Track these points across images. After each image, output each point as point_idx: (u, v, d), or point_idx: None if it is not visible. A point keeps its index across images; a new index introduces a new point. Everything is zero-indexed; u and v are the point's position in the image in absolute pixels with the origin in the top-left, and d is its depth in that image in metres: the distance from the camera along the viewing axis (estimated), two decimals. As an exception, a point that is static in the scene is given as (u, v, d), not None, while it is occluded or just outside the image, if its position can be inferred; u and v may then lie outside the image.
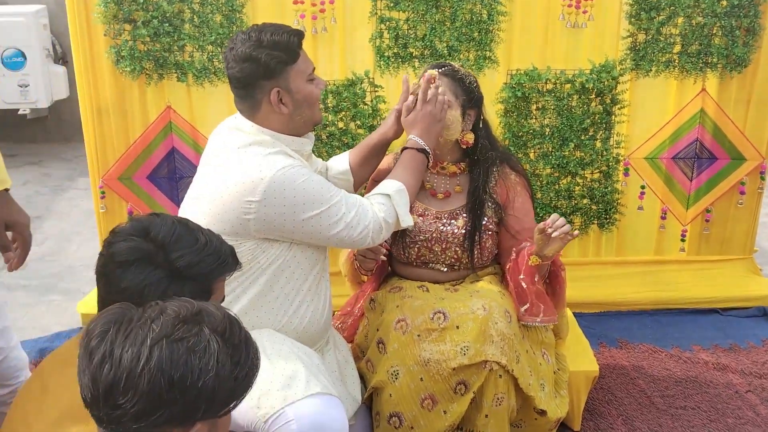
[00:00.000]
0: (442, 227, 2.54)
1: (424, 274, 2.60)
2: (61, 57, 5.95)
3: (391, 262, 2.73)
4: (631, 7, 3.32)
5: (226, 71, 2.20)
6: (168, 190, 3.42)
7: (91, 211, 3.73)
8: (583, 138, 3.46)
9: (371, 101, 3.35)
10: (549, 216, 2.38)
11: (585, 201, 3.57)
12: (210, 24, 3.20)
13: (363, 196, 2.37)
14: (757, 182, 3.62)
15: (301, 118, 2.24)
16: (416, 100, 2.41)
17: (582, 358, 2.73)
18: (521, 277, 2.44)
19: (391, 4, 3.24)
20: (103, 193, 3.37)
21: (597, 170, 3.53)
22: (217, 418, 1.23)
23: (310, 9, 3.21)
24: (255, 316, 2.22)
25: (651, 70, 3.42)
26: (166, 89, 3.29)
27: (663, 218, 3.65)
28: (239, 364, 1.22)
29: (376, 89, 3.34)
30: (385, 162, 2.63)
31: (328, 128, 3.35)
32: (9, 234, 2.21)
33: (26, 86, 5.58)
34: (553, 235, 2.32)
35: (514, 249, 2.50)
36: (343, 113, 3.35)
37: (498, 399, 2.31)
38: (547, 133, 3.45)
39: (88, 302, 3.45)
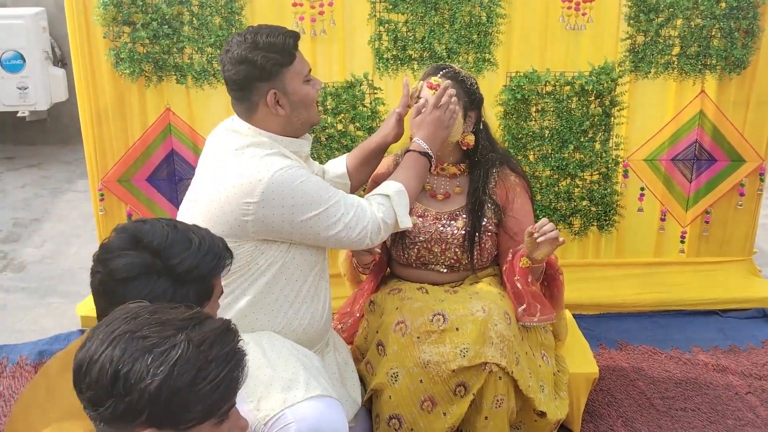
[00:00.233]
0: (441, 228, 2.54)
1: (424, 275, 2.60)
2: (60, 59, 5.95)
3: (391, 263, 2.73)
4: (630, 9, 3.33)
5: (223, 74, 2.20)
6: (167, 192, 3.42)
7: (91, 214, 3.73)
8: (582, 140, 3.46)
9: (370, 103, 3.35)
10: (546, 218, 2.39)
11: (584, 203, 3.57)
12: (209, 26, 3.20)
13: (363, 196, 2.36)
14: (756, 184, 3.62)
15: (299, 119, 2.24)
16: (426, 102, 2.41)
17: (582, 359, 2.73)
18: (516, 278, 2.44)
19: (390, 7, 3.24)
20: (102, 195, 3.37)
21: (596, 172, 3.53)
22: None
23: (309, 11, 3.22)
24: (254, 318, 2.22)
25: (650, 71, 3.42)
26: (166, 91, 3.29)
27: (662, 220, 3.65)
28: (206, 379, 1.19)
29: (375, 91, 3.34)
30: (384, 164, 2.63)
31: (327, 130, 3.35)
32: None
33: (25, 88, 5.57)
34: (538, 240, 2.32)
35: (511, 250, 2.50)
36: (342, 115, 3.35)
37: (498, 401, 2.31)
38: (546, 135, 3.45)
39: (88, 304, 3.44)
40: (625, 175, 3.56)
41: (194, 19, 3.19)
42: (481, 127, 2.56)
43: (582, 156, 3.48)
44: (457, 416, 2.30)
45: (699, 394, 2.98)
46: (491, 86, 3.34)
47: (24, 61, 5.53)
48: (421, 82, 2.48)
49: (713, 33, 3.38)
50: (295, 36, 2.19)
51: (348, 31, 3.28)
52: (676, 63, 3.41)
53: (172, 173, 3.40)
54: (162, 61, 3.22)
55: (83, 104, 3.26)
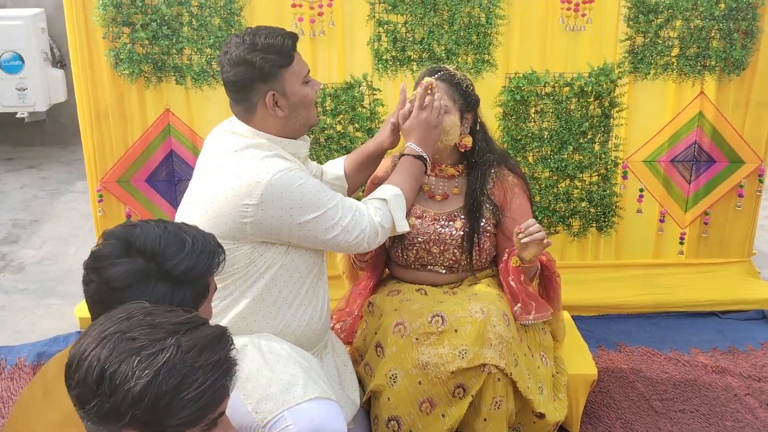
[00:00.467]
0: (440, 229, 2.54)
1: (423, 276, 2.60)
2: (59, 60, 5.95)
3: (389, 265, 2.73)
4: (629, 10, 3.33)
5: (221, 75, 2.20)
6: (166, 193, 3.42)
7: (89, 215, 3.73)
8: (581, 141, 3.46)
9: (369, 104, 3.35)
10: (545, 219, 2.39)
11: (584, 204, 3.57)
12: (208, 27, 3.20)
13: (360, 199, 2.36)
14: (755, 185, 3.62)
15: (297, 120, 2.23)
16: (412, 108, 2.41)
17: (580, 361, 2.73)
18: (510, 277, 2.45)
19: (390, 8, 3.24)
20: (101, 196, 3.36)
21: (595, 173, 3.53)
22: None
23: (309, 12, 3.22)
24: (253, 320, 2.21)
25: (649, 73, 3.42)
26: (165, 92, 3.28)
27: (661, 221, 3.65)
28: (191, 386, 1.18)
29: (375, 92, 3.34)
30: (383, 166, 2.63)
31: (326, 131, 3.35)
32: None
33: (24, 89, 5.57)
34: (522, 241, 2.32)
35: (507, 250, 2.50)
36: (341, 116, 3.35)
37: (496, 402, 2.31)
38: (545, 137, 3.45)
39: (87, 306, 3.43)
40: (625, 177, 3.56)
41: (193, 20, 3.19)
42: (478, 128, 2.56)
43: (581, 157, 3.48)
44: (456, 418, 2.30)
45: (698, 395, 2.98)
46: (490, 87, 3.34)
47: (23, 62, 5.52)
48: (419, 89, 2.48)
49: (712, 34, 3.38)
50: (294, 37, 2.19)
51: (347, 32, 3.28)
52: (675, 64, 3.42)
53: (172, 174, 3.39)
54: (161, 62, 3.22)
55: (82, 105, 3.26)
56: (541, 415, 2.39)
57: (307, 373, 2.07)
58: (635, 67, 3.40)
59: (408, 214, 2.46)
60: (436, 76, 2.48)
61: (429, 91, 2.40)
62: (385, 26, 3.26)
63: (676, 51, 3.40)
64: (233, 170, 2.12)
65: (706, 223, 3.67)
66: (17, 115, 5.78)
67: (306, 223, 2.14)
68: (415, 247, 2.56)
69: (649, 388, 3.02)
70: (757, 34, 3.38)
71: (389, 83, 3.33)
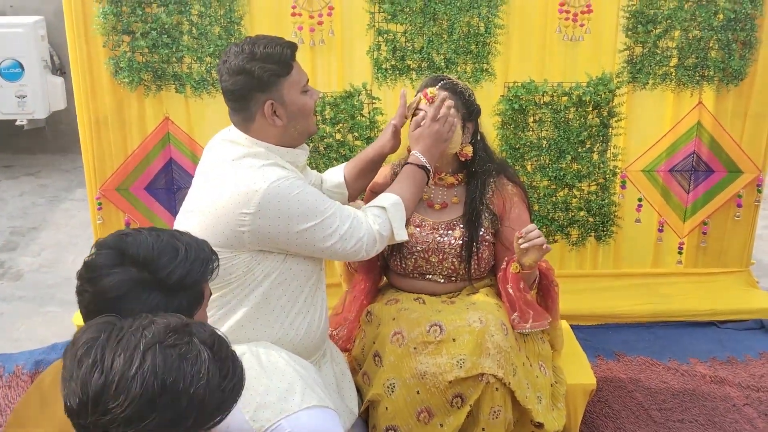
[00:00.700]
0: (439, 238, 2.54)
1: (421, 285, 2.60)
2: (59, 68, 5.96)
3: (388, 273, 2.73)
4: (627, 20, 3.34)
5: (220, 84, 2.20)
6: (165, 201, 3.42)
7: (88, 223, 3.73)
8: (580, 150, 3.47)
9: (369, 113, 3.36)
10: (544, 228, 2.39)
11: (582, 213, 3.57)
12: (208, 36, 3.20)
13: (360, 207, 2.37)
14: (753, 195, 3.62)
15: (296, 129, 2.23)
16: (425, 115, 2.41)
17: (579, 370, 2.73)
18: (509, 285, 2.44)
19: (389, 17, 3.25)
20: (100, 204, 3.37)
21: (594, 183, 3.53)
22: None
23: (308, 21, 3.23)
24: (251, 329, 2.21)
25: (648, 83, 3.43)
26: (164, 100, 3.29)
27: (660, 231, 3.65)
28: (227, 377, 1.23)
29: (374, 101, 3.34)
30: (382, 173, 2.63)
31: (325, 140, 3.36)
32: None
33: (24, 97, 5.58)
34: (522, 246, 2.32)
35: (506, 258, 2.50)
36: (341, 125, 3.36)
37: (495, 412, 2.30)
38: (544, 146, 3.46)
39: (85, 313, 3.43)
40: (623, 186, 3.57)
41: (193, 28, 3.20)
42: (479, 137, 2.56)
43: (580, 166, 3.49)
44: (454, 427, 2.30)
45: (696, 405, 2.97)
46: (489, 96, 3.35)
47: (23, 69, 5.53)
48: (419, 94, 2.48)
49: (711, 44, 3.39)
50: (293, 47, 2.19)
51: (347, 41, 3.29)
52: (673, 74, 3.42)
53: (171, 182, 3.40)
54: (161, 71, 3.23)
55: (82, 113, 3.27)
56: (540, 425, 2.39)
57: (305, 381, 2.07)
58: (634, 77, 3.41)
59: (407, 223, 2.45)
60: (439, 85, 2.48)
61: (445, 104, 2.40)
62: (385, 35, 3.27)
63: (674, 61, 3.41)
64: (231, 179, 2.12)
65: (704, 233, 3.68)
66: (17, 123, 5.78)
67: (303, 232, 2.14)
68: (414, 256, 2.56)
69: (647, 397, 3.02)
70: (756, 45, 3.40)
71: (388, 92, 3.33)
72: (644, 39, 3.36)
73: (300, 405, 1.98)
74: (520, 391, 2.32)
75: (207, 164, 2.26)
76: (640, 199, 3.60)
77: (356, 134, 3.36)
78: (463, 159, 2.55)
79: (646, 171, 3.57)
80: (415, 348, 2.34)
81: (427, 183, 2.44)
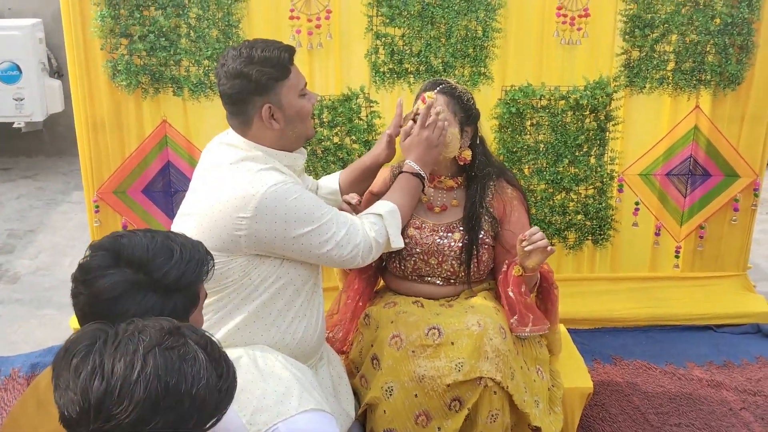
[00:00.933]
0: (438, 240, 2.54)
1: (420, 288, 2.60)
2: (57, 71, 5.96)
3: (386, 276, 2.73)
4: (625, 24, 3.34)
5: (218, 87, 2.20)
6: (163, 204, 3.42)
7: (86, 225, 3.73)
8: (577, 154, 3.47)
9: (366, 116, 3.36)
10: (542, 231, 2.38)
11: (579, 217, 3.57)
12: (206, 39, 3.20)
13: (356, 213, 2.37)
14: (750, 199, 3.63)
15: (294, 133, 2.23)
16: (414, 125, 2.41)
17: (576, 374, 2.73)
18: (509, 288, 2.44)
19: (387, 20, 3.25)
20: (97, 207, 3.36)
21: (591, 186, 3.54)
22: None
23: (306, 24, 3.23)
24: (248, 333, 2.21)
25: (645, 86, 3.44)
26: (162, 103, 3.29)
27: (657, 234, 3.66)
28: (222, 377, 1.23)
29: (372, 104, 3.35)
30: (380, 177, 2.63)
31: (323, 143, 3.36)
32: None
33: (21, 100, 5.57)
34: (526, 249, 2.32)
35: (506, 262, 2.50)
36: (339, 128, 3.36)
37: (492, 415, 2.30)
38: (541, 149, 3.46)
39: (81, 316, 3.43)
40: (620, 190, 3.57)
41: (191, 31, 3.20)
42: (478, 141, 2.56)
43: (577, 170, 3.49)
44: (452, 431, 2.29)
45: (693, 409, 2.98)
46: (486, 100, 3.36)
47: (20, 72, 5.52)
48: (418, 101, 2.48)
49: (708, 49, 3.40)
50: (291, 50, 2.19)
51: (344, 45, 3.29)
52: (671, 78, 3.43)
53: (168, 185, 3.39)
54: (159, 74, 3.23)
55: (79, 115, 3.26)
56: (537, 429, 2.39)
57: (302, 384, 2.07)
58: (631, 80, 3.42)
59: (406, 225, 2.46)
60: (438, 89, 2.48)
61: (432, 109, 2.41)
62: (383, 39, 3.28)
63: (671, 65, 3.42)
64: (229, 183, 2.12)
65: (701, 237, 3.68)
66: (14, 125, 5.77)
67: (300, 237, 2.14)
68: (414, 258, 2.56)
69: (644, 401, 3.02)
70: (752, 49, 3.41)
71: (386, 95, 3.34)
72: (641, 43, 3.37)
73: (297, 408, 1.98)
74: (517, 394, 2.32)
75: (205, 167, 2.26)
76: (637, 203, 3.60)
77: (354, 137, 3.36)
78: (462, 163, 2.55)
79: (643, 175, 3.57)
80: (413, 351, 2.34)
81: (423, 190, 2.45)
